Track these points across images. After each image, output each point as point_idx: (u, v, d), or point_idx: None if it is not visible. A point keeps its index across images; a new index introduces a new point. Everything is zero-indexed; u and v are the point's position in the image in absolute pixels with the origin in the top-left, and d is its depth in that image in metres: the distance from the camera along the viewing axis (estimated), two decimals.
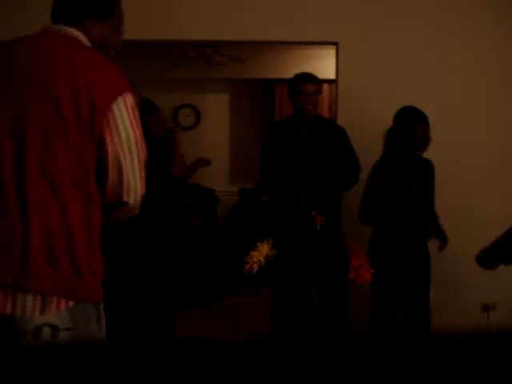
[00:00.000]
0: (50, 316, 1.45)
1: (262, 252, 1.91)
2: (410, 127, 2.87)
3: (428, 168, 3.02)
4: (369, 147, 3.50)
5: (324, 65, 5.27)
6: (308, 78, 3.39)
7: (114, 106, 1.52)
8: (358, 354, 0.61)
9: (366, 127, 3.54)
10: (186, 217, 4.83)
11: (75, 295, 1.50)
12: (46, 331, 1.44)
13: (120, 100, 1.54)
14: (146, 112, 3.35)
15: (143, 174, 1.60)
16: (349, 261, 1.92)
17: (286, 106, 5.93)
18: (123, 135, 1.54)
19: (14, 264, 1.45)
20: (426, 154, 2.99)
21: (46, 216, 1.47)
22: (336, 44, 3.62)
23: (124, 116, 1.54)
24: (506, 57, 3.59)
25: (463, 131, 3.56)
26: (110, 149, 1.53)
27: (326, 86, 5.92)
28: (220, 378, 0.54)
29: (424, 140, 2.86)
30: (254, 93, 6.35)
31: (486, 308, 3.64)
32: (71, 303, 1.49)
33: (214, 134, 6.25)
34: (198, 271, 5.04)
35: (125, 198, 1.57)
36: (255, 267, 1.91)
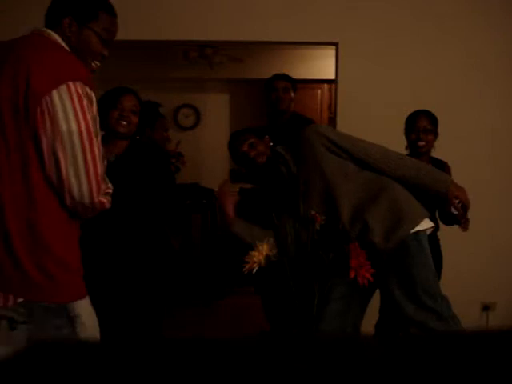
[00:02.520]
0: (7, 310, 1.47)
1: (262, 252, 1.91)
2: (410, 120, 2.92)
3: (440, 168, 3.03)
4: None
5: (324, 65, 5.27)
6: (279, 76, 3.54)
7: (55, 94, 1.43)
8: (359, 353, 0.61)
9: (366, 127, 3.54)
10: (186, 217, 4.83)
11: (21, 293, 1.48)
12: (4, 323, 1.47)
13: (63, 87, 1.43)
14: (150, 118, 3.41)
15: (97, 170, 1.48)
16: (349, 260, 1.92)
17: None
18: (63, 126, 1.43)
19: None
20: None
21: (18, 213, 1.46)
22: (336, 44, 3.62)
23: (67, 105, 1.43)
24: (506, 57, 3.59)
25: (463, 131, 3.56)
26: (43, 140, 1.44)
27: (325, 86, 5.94)
28: (220, 377, 0.54)
29: (425, 133, 2.87)
30: (254, 93, 6.36)
31: (486, 308, 3.65)
32: (20, 300, 1.48)
33: (213, 134, 6.25)
34: (199, 271, 5.04)
35: (66, 195, 1.48)
36: (255, 267, 1.91)
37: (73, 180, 1.46)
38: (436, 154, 3.01)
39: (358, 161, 2.29)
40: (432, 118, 2.92)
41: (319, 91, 5.98)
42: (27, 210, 1.47)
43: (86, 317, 1.58)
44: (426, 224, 2.28)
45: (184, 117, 6.29)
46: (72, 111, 1.44)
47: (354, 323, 2.30)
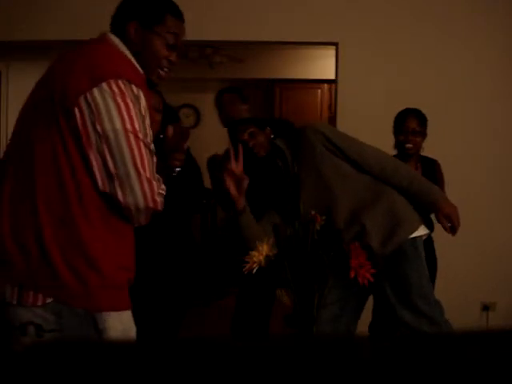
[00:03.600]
0: (35, 317, 1.42)
1: (261, 252, 1.91)
2: (399, 120, 2.91)
3: (431, 167, 3.02)
4: None
5: (324, 65, 5.27)
6: (228, 90, 3.62)
7: (96, 92, 1.37)
8: (358, 354, 0.61)
9: (366, 127, 3.54)
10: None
11: (50, 292, 1.42)
12: (31, 329, 1.41)
13: (104, 85, 1.37)
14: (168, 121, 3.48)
15: (145, 169, 1.39)
16: (348, 260, 1.92)
17: (286, 106, 5.94)
18: (107, 125, 1.36)
19: None
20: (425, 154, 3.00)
21: (17, 210, 1.45)
22: (336, 44, 3.62)
23: (109, 103, 1.37)
24: (506, 56, 3.59)
25: (463, 131, 3.56)
26: (84, 139, 1.38)
27: (325, 86, 5.94)
28: (219, 377, 0.54)
29: (413, 134, 2.87)
30: (254, 93, 6.36)
31: (486, 308, 3.65)
32: (48, 300, 1.42)
33: (213, 134, 6.25)
34: (199, 271, 5.03)
35: (120, 198, 1.40)
36: (255, 267, 1.91)
37: (125, 180, 1.38)
38: (437, 152, 3.01)
39: (353, 162, 2.28)
40: (421, 119, 2.90)
41: (319, 91, 5.98)
42: (61, 207, 1.41)
43: (119, 333, 1.47)
44: (422, 230, 2.29)
45: (184, 117, 6.30)
46: (115, 109, 1.37)
47: (348, 327, 2.31)
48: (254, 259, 1.89)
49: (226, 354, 0.55)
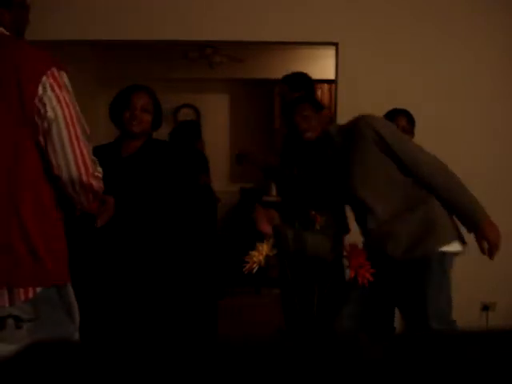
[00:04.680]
0: (13, 308, 1.49)
1: (261, 252, 1.91)
2: (389, 119, 2.91)
3: None
4: None
5: (324, 65, 5.27)
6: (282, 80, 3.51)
7: (40, 89, 1.52)
8: (358, 353, 0.61)
9: None
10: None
11: (37, 281, 1.52)
12: (10, 321, 1.49)
13: (44, 80, 1.52)
14: (194, 134, 3.85)
15: (83, 151, 1.58)
16: (348, 260, 1.92)
17: None
18: (50, 115, 1.53)
19: None
20: None
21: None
22: (336, 44, 3.62)
23: (50, 96, 1.53)
24: (506, 56, 3.59)
25: (463, 131, 3.56)
26: (40, 129, 1.54)
27: (325, 86, 5.94)
28: (219, 378, 0.54)
29: (404, 133, 2.88)
30: (254, 93, 6.36)
31: (486, 308, 3.64)
32: (38, 289, 1.52)
33: (213, 134, 6.26)
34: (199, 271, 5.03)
35: (55, 172, 1.57)
36: (255, 267, 1.91)
37: (60, 158, 1.56)
38: (437, 152, 3.01)
39: (400, 163, 2.19)
40: (410, 118, 2.92)
41: (319, 91, 5.98)
42: (33, 195, 1.54)
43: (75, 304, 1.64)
44: (455, 246, 2.20)
45: (184, 117, 6.29)
46: (55, 100, 1.53)
47: (368, 326, 2.26)
48: (254, 259, 1.89)
49: (226, 354, 0.55)
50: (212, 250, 3.57)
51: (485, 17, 3.55)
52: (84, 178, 1.59)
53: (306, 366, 0.56)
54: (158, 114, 2.55)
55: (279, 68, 5.66)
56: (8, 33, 1.63)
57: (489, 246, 2.16)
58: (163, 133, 3.81)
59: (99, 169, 1.66)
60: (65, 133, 1.54)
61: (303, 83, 3.46)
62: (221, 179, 6.06)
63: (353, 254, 1.89)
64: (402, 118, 2.89)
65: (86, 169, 1.59)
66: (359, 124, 2.20)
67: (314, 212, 2.09)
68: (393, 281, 2.15)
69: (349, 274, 1.93)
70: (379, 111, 3.51)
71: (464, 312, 3.47)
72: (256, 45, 4.73)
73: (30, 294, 1.50)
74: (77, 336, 1.64)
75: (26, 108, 1.51)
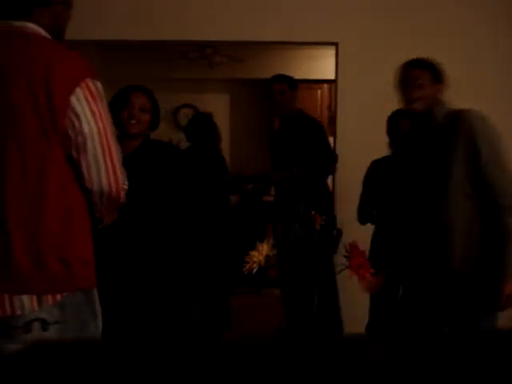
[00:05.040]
0: (41, 312, 1.49)
1: (261, 252, 1.91)
2: (395, 120, 2.93)
3: None
4: (368, 147, 3.50)
5: (324, 65, 5.27)
6: (274, 79, 3.56)
7: (73, 100, 1.48)
8: (358, 354, 0.61)
9: (366, 127, 3.54)
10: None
11: (66, 287, 1.52)
12: (37, 325, 1.48)
13: (78, 91, 1.49)
14: (209, 129, 3.86)
15: (115, 164, 1.57)
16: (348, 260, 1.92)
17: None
18: (85, 127, 1.50)
19: (1, 271, 1.48)
20: None
21: (24, 215, 1.48)
22: (336, 44, 3.62)
23: (84, 107, 1.49)
24: (508, 58, 3.59)
25: None
26: (73, 142, 1.51)
27: (325, 86, 5.94)
28: (219, 378, 0.54)
29: None
30: (254, 93, 6.36)
31: None
32: (65, 294, 1.52)
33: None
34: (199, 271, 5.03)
35: (87, 184, 1.56)
36: (255, 267, 1.91)
37: (94, 171, 1.54)
38: None
39: (478, 172, 2.02)
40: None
41: (319, 91, 5.98)
42: (63, 203, 1.53)
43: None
44: None
45: (184, 117, 6.29)
46: (90, 113, 1.50)
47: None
48: (254, 259, 1.89)
49: (226, 353, 0.55)
50: (223, 249, 3.61)
51: (485, 17, 3.55)
52: (114, 192, 1.59)
53: (306, 366, 0.56)
54: (156, 113, 2.55)
55: (279, 68, 5.65)
56: (45, 33, 1.58)
57: (502, 298, 2.07)
58: (163, 133, 3.83)
59: (126, 182, 1.66)
60: (99, 148, 1.52)
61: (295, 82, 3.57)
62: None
63: (353, 254, 1.89)
64: (405, 118, 2.89)
65: (117, 183, 1.59)
66: (461, 117, 2.06)
67: (314, 212, 2.09)
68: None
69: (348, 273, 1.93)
70: (379, 111, 3.51)
71: None
72: (256, 45, 4.73)
73: (58, 298, 1.51)
74: (99, 337, 1.65)
75: (58, 120, 1.47)
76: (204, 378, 0.53)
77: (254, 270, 1.90)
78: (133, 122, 2.44)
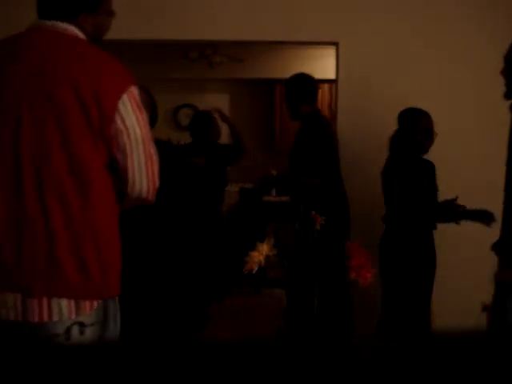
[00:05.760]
0: (80, 316, 1.49)
1: (261, 252, 1.91)
2: (414, 121, 2.91)
3: (430, 167, 3.05)
4: (369, 147, 3.50)
5: (324, 65, 5.27)
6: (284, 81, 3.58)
7: (120, 106, 1.51)
8: (359, 354, 0.61)
9: (366, 127, 3.54)
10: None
11: (103, 294, 1.54)
12: (75, 329, 1.48)
13: (125, 97, 1.53)
14: (206, 124, 3.90)
15: (154, 169, 1.60)
16: (347, 260, 1.91)
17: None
18: (131, 133, 1.53)
19: (42, 271, 1.46)
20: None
21: (69, 216, 1.48)
22: (336, 44, 3.62)
23: (130, 114, 1.53)
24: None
25: (463, 131, 3.56)
26: (120, 147, 1.54)
27: (326, 86, 5.94)
28: (219, 378, 0.54)
29: (430, 133, 2.90)
30: (254, 93, 6.36)
31: (486, 308, 3.64)
32: (101, 301, 1.54)
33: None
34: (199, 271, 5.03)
35: (128, 191, 1.59)
36: (255, 267, 1.91)
37: (137, 177, 1.58)
38: (437, 152, 3.02)
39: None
40: (431, 118, 2.95)
41: (319, 91, 5.97)
42: (110, 207, 1.57)
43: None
44: None
45: (184, 117, 6.29)
46: (135, 118, 1.54)
47: None
48: (254, 259, 1.89)
49: (227, 353, 0.55)
50: (216, 249, 3.61)
51: (486, 16, 3.55)
52: (150, 196, 1.63)
53: (306, 366, 0.56)
54: (154, 112, 2.58)
55: (279, 68, 5.67)
56: (85, 38, 1.61)
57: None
58: (163, 132, 3.83)
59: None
60: (142, 153, 1.55)
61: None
62: None
63: (353, 255, 1.88)
64: (429, 119, 2.92)
65: (154, 187, 1.63)
66: None
67: (314, 212, 2.09)
68: None
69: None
70: (379, 111, 3.51)
71: (464, 312, 3.48)
72: (256, 45, 4.73)
73: (95, 305, 1.52)
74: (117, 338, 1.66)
75: (105, 124, 1.49)
76: (204, 377, 0.53)
77: (254, 270, 1.90)
78: None
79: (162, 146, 2.60)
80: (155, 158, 1.61)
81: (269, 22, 3.55)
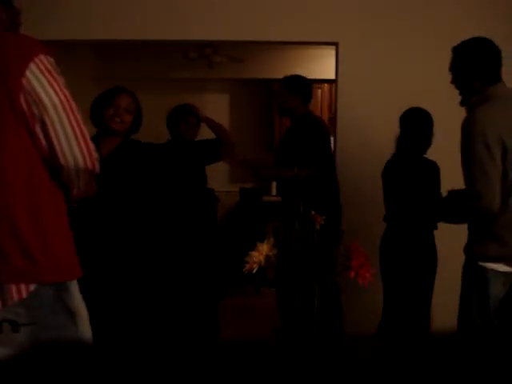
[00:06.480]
0: (6, 312, 1.43)
1: (261, 252, 1.91)
2: (428, 131, 2.97)
3: (434, 167, 3.06)
4: (368, 146, 3.51)
5: (324, 65, 5.27)
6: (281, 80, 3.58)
7: (29, 75, 1.45)
8: (357, 354, 0.61)
9: (366, 127, 3.54)
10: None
11: (31, 278, 1.46)
12: (6, 326, 1.43)
13: (32, 66, 1.46)
14: (179, 116, 3.60)
15: (83, 133, 1.53)
16: (347, 260, 1.91)
17: None
18: (47, 102, 1.47)
19: None
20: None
21: None
22: (336, 44, 3.62)
23: (42, 82, 1.47)
24: (509, 57, 3.58)
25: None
26: (36, 118, 1.48)
27: (325, 86, 5.94)
28: (220, 377, 0.54)
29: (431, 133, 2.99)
30: (254, 93, 6.36)
31: None
32: (32, 287, 1.45)
33: (213, 133, 6.26)
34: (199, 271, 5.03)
35: (61, 161, 1.52)
36: (255, 267, 1.91)
37: (65, 146, 1.51)
38: (438, 152, 3.02)
39: None
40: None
41: (319, 91, 5.98)
42: (28, 192, 1.48)
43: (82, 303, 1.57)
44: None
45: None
46: (49, 85, 1.48)
47: None
48: (254, 259, 1.89)
49: (226, 353, 0.55)
50: (213, 249, 3.56)
51: (486, 17, 3.55)
52: (89, 163, 1.55)
53: (305, 366, 0.56)
54: (139, 117, 2.65)
55: (279, 68, 5.66)
56: None
57: None
58: (163, 132, 3.82)
59: (97, 152, 1.63)
60: (64, 117, 1.50)
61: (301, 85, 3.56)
62: (221, 179, 6.06)
63: (353, 254, 1.88)
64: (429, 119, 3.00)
65: (90, 152, 1.55)
66: None
67: (313, 212, 2.09)
68: None
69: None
70: (379, 111, 3.51)
71: None
72: (256, 45, 4.73)
73: (24, 294, 1.44)
74: (85, 339, 1.55)
75: (14, 99, 1.44)
76: (204, 377, 0.54)
77: (254, 270, 1.90)
78: (117, 119, 2.54)
79: (134, 145, 2.63)
80: (82, 121, 1.54)
81: (269, 21, 3.56)
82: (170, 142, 3.64)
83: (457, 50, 2.38)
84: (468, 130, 2.16)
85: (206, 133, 3.74)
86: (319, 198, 3.33)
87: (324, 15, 3.56)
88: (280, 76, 5.56)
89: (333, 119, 4.11)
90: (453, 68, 2.40)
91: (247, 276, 1.97)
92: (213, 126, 3.61)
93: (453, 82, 2.41)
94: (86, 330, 1.56)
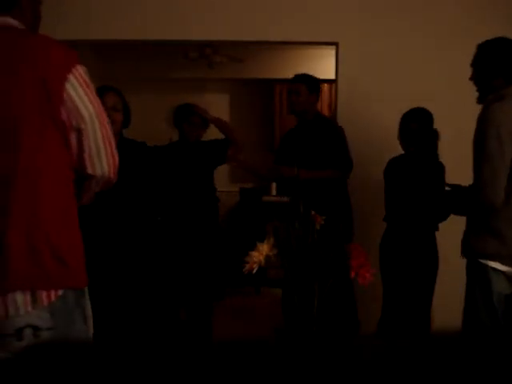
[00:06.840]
0: (32, 317, 1.43)
1: (262, 252, 1.91)
2: (422, 122, 2.95)
3: (440, 167, 3.07)
4: (369, 146, 3.51)
5: (324, 65, 5.27)
6: (294, 79, 3.51)
7: (68, 87, 1.49)
8: (357, 353, 0.61)
9: (366, 127, 3.54)
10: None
11: (61, 283, 1.48)
12: (28, 332, 1.43)
13: (71, 78, 1.50)
14: (181, 117, 3.52)
15: (112, 145, 1.59)
16: (348, 260, 1.91)
17: (286, 106, 5.95)
18: (84, 113, 1.51)
19: None
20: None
21: (24, 210, 1.45)
22: (336, 44, 3.62)
23: (80, 93, 1.51)
24: None
25: (463, 131, 3.56)
26: (73, 129, 1.51)
27: (325, 86, 5.95)
28: (220, 377, 0.54)
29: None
30: (254, 93, 6.36)
31: None
32: (60, 292, 1.47)
33: (213, 133, 6.26)
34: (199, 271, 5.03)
35: (89, 171, 1.57)
36: (255, 267, 1.91)
37: (95, 156, 1.55)
38: (440, 151, 3.03)
39: None
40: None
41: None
42: (61, 196, 1.52)
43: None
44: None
45: None
46: (85, 96, 1.52)
47: None
48: (254, 259, 1.89)
49: (226, 353, 0.55)
50: (215, 249, 3.55)
51: (486, 17, 3.55)
52: (112, 174, 1.61)
53: (305, 366, 0.56)
54: (127, 112, 2.62)
55: (279, 68, 5.67)
56: (23, 27, 1.58)
57: None
58: (163, 132, 3.82)
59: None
60: (98, 131, 1.54)
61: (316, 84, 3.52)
62: (221, 179, 6.05)
63: (353, 254, 1.88)
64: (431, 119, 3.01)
65: (115, 166, 1.60)
66: None
67: (313, 212, 2.09)
68: None
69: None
70: (379, 111, 3.52)
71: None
72: (256, 45, 4.73)
73: (53, 297, 1.46)
74: (90, 338, 1.58)
75: (55, 109, 1.47)
76: (203, 377, 0.54)
77: (254, 270, 1.90)
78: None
79: (137, 146, 2.63)
80: (112, 134, 1.60)
81: (269, 21, 3.56)
82: (174, 144, 3.60)
83: (482, 47, 2.44)
84: (483, 126, 2.27)
85: (214, 133, 3.66)
86: (338, 200, 3.33)
87: (324, 15, 3.56)
88: (280, 76, 5.57)
89: (333, 119, 4.10)
90: (475, 64, 2.45)
91: (247, 276, 1.97)
92: (221, 126, 3.47)
93: (472, 78, 2.48)
94: (91, 330, 1.59)
